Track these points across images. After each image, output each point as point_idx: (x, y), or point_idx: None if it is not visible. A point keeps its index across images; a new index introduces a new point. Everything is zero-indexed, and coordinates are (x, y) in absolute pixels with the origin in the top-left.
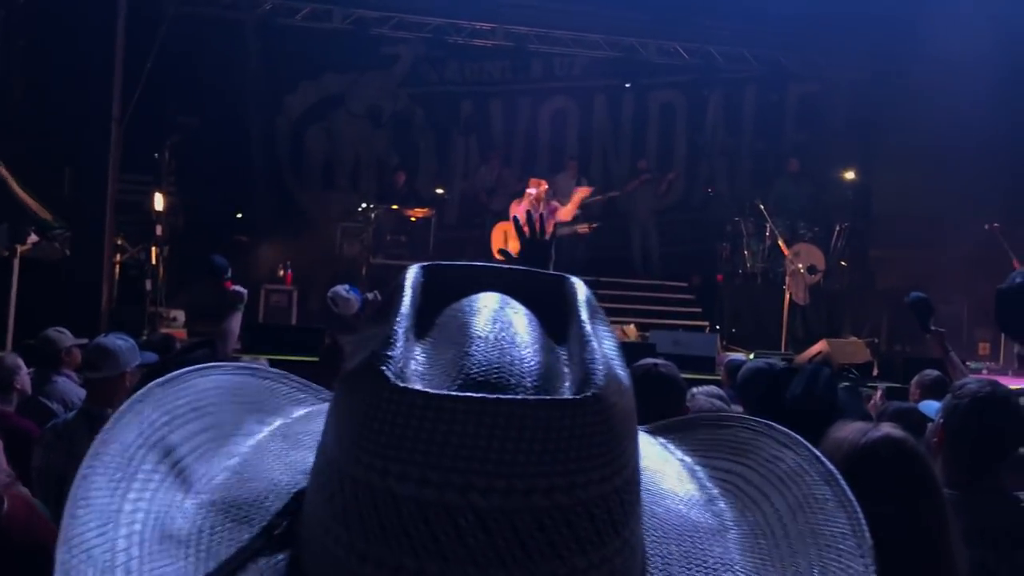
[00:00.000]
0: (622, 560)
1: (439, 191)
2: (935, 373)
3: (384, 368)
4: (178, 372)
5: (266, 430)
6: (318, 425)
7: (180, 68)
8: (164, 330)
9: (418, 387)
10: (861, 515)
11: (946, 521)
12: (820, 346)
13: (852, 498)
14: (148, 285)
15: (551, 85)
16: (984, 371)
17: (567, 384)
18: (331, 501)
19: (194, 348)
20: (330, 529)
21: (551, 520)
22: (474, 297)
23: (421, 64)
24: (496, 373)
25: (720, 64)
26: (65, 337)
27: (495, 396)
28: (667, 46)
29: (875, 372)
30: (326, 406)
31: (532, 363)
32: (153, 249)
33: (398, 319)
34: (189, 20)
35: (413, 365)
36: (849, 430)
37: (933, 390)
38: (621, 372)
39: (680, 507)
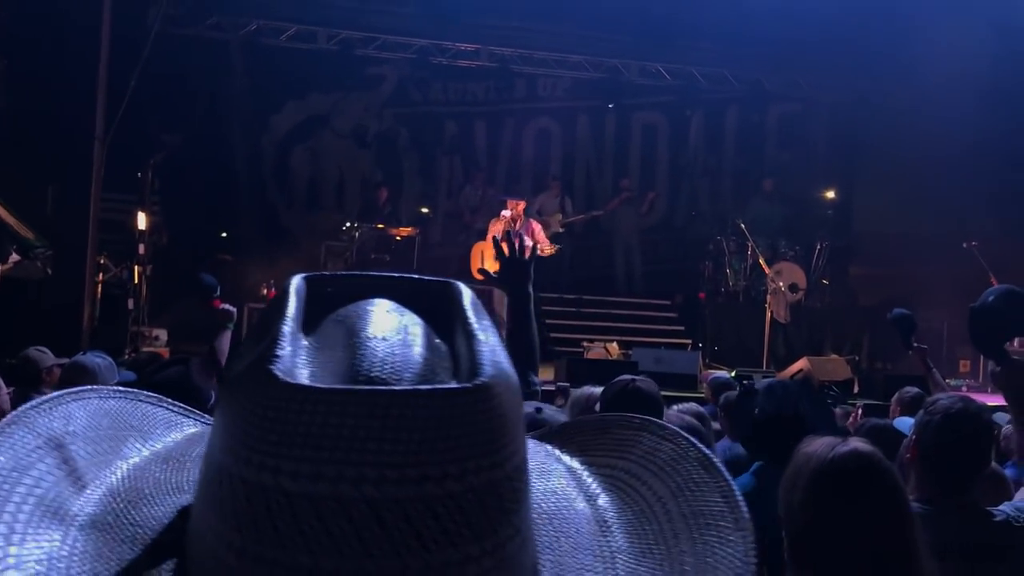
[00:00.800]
0: (514, 547)
1: (424, 210)
2: (914, 390)
3: (272, 367)
4: (52, 395)
5: (146, 453)
6: (200, 448)
7: (164, 87)
8: (146, 349)
9: (307, 383)
10: (737, 495)
11: (913, 534)
12: (801, 364)
13: (728, 479)
14: (130, 304)
15: (535, 105)
16: (964, 388)
17: (453, 376)
18: (222, 507)
19: (168, 366)
20: (222, 536)
21: (444, 508)
22: (361, 302)
23: (406, 84)
24: (383, 368)
25: (702, 85)
26: (46, 356)
27: (384, 388)
28: (649, 67)
29: (856, 389)
30: (208, 430)
31: (418, 358)
32: (136, 268)
33: (284, 321)
34: (174, 39)
35: (301, 364)
36: (818, 444)
37: (912, 407)
38: (506, 365)
39: (566, 503)
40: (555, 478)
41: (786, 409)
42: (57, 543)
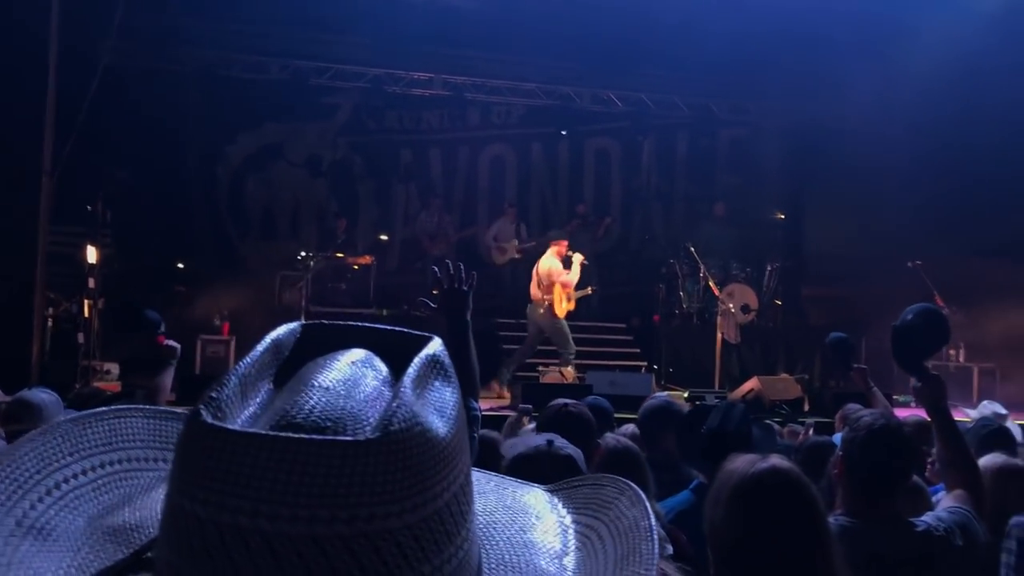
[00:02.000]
0: None
1: (382, 237)
2: (857, 407)
3: (202, 407)
4: (95, 411)
5: (166, 467)
6: None
7: (115, 118)
8: (97, 383)
9: (227, 425)
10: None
11: (828, 548)
12: (752, 383)
13: (654, 551)
14: (80, 338)
15: (489, 133)
16: (912, 404)
17: (368, 428)
18: (164, 527)
19: (112, 401)
20: (164, 554)
21: (333, 548)
22: (337, 352)
23: (360, 113)
24: (307, 417)
25: (652, 111)
26: None
27: (285, 435)
28: (601, 94)
29: (806, 407)
30: None
31: (350, 409)
32: (86, 302)
33: (237, 366)
34: (124, 70)
35: (237, 407)
36: (740, 461)
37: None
38: (430, 421)
39: (534, 557)
40: (536, 532)
41: (732, 430)
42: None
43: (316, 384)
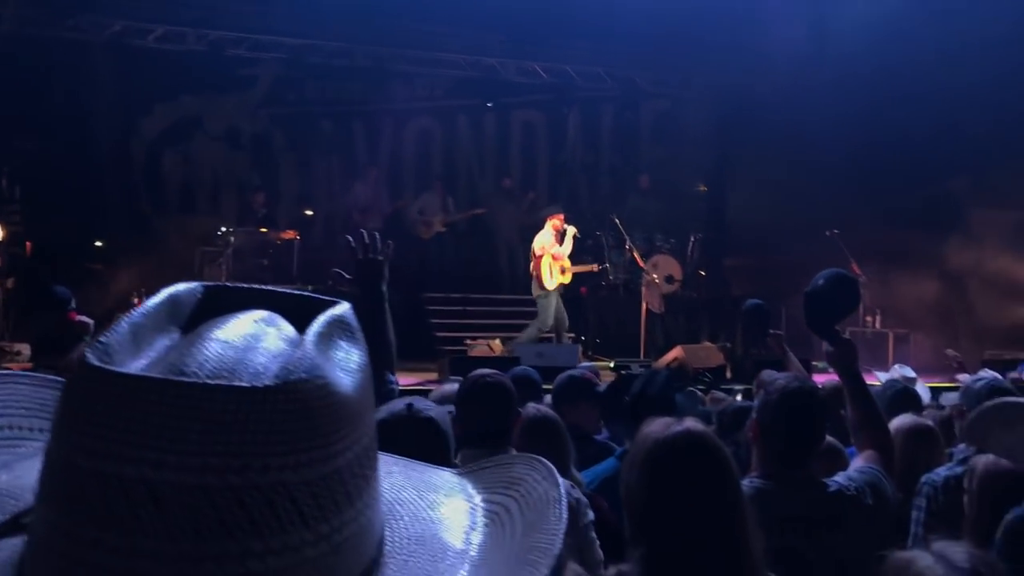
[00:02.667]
0: (315, 554)
1: (308, 212)
2: (773, 373)
3: (88, 351)
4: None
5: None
6: None
7: (20, 90)
8: (8, 365)
9: (114, 369)
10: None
11: (741, 510)
12: (675, 352)
13: (562, 522)
14: None
15: (413, 105)
16: (830, 369)
17: (266, 378)
18: (41, 481)
19: None
20: (40, 511)
21: (223, 499)
22: (240, 312)
23: (280, 85)
24: (201, 365)
25: (577, 83)
26: None
27: (177, 378)
28: (525, 66)
29: (728, 375)
30: None
31: (247, 361)
32: None
33: (130, 315)
34: (29, 39)
35: (128, 355)
36: (656, 424)
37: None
38: (334, 376)
39: (440, 533)
40: (444, 510)
41: (652, 391)
42: None
43: (214, 337)
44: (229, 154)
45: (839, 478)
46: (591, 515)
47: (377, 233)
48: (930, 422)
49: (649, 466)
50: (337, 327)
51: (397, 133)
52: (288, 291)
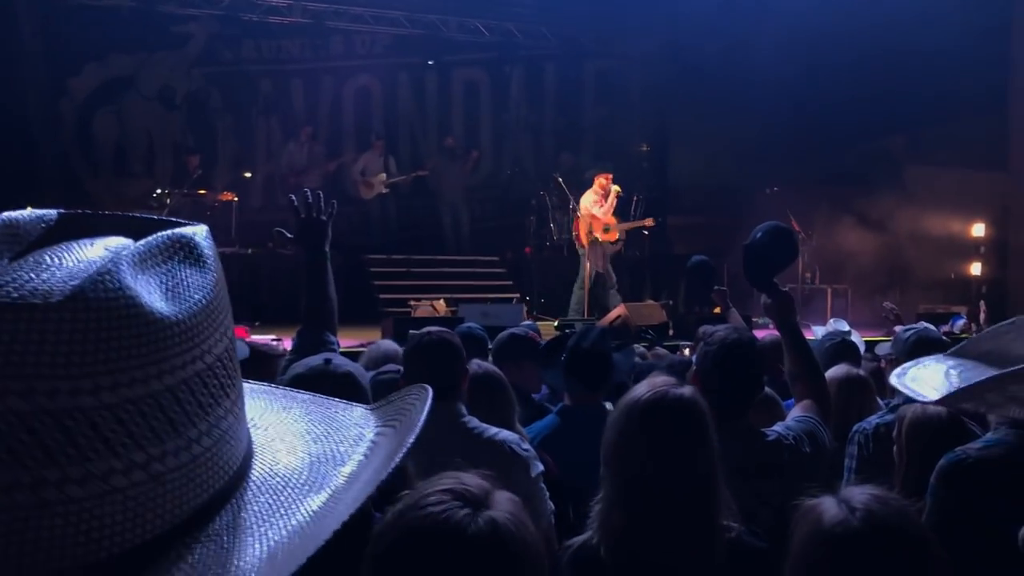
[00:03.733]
0: (126, 483)
1: (247, 175)
2: (712, 327)
3: None
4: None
5: None
6: None
7: None
8: None
9: None
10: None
11: (715, 464)
12: (619, 310)
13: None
14: None
15: (353, 63)
16: (770, 324)
17: (55, 295)
18: None
19: None
20: None
21: (7, 425)
22: (87, 239)
23: (215, 43)
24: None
25: (520, 41)
26: None
27: None
28: (468, 23)
29: (671, 332)
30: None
31: (48, 280)
32: None
33: None
34: None
35: None
36: (641, 385)
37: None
38: (144, 296)
39: (312, 467)
40: (327, 444)
41: (585, 343)
42: None
43: (30, 260)
44: (163, 114)
45: (777, 427)
46: (540, 467)
47: (320, 193)
48: (862, 372)
49: (633, 423)
50: (177, 248)
51: (336, 92)
52: (149, 217)
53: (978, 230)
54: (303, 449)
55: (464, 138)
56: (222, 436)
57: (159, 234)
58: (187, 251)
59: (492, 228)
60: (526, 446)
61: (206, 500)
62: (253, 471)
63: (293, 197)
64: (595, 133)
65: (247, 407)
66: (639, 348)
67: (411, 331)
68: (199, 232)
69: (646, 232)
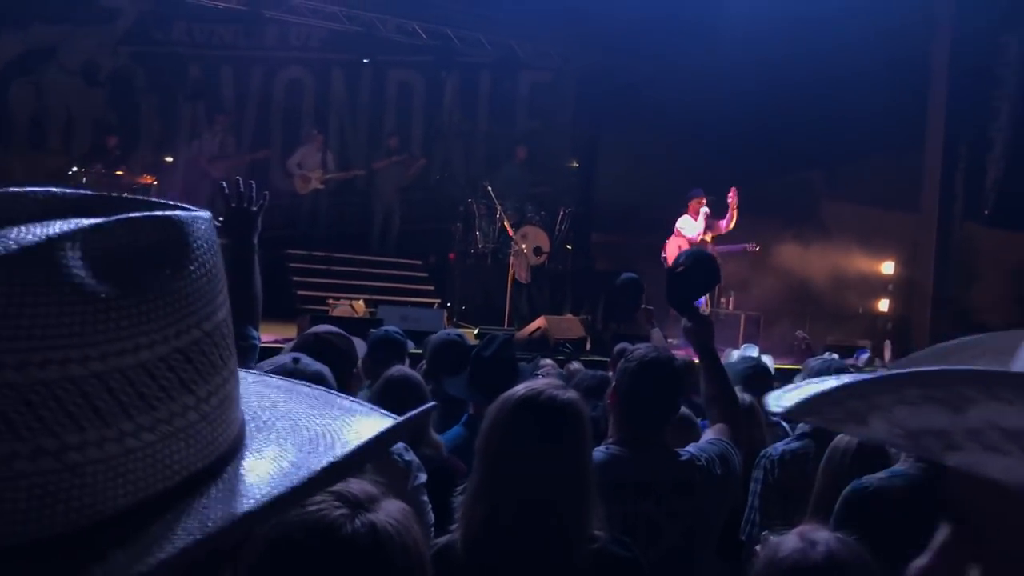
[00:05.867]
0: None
1: (168, 159)
2: (625, 345)
3: None
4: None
5: None
6: None
7: None
8: None
9: None
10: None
11: (585, 469)
12: (539, 322)
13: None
14: None
15: (286, 54)
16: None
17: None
18: None
19: None
20: None
21: None
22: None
23: (145, 21)
24: None
25: (457, 47)
26: None
27: None
28: (406, 25)
29: (588, 347)
30: None
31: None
32: None
33: None
34: None
35: None
36: (522, 385)
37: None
38: (72, 269)
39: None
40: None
41: (487, 352)
42: None
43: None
44: (85, 90)
45: (691, 448)
46: (422, 478)
47: (253, 183)
48: (748, 397)
49: (506, 422)
50: (144, 230)
51: (267, 82)
52: (158, 200)
53: (888, 268)
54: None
55: (400, 140)
56: (173, 434)
57: (130, 215)
58: (161, 234)
59: (417, 232)
60: (409, 456)
61: (140, 499)
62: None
63: (224, 185)
64: (527, 144)
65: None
66: (547, 361)
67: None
68: (192, 217)
69: (569, 247)
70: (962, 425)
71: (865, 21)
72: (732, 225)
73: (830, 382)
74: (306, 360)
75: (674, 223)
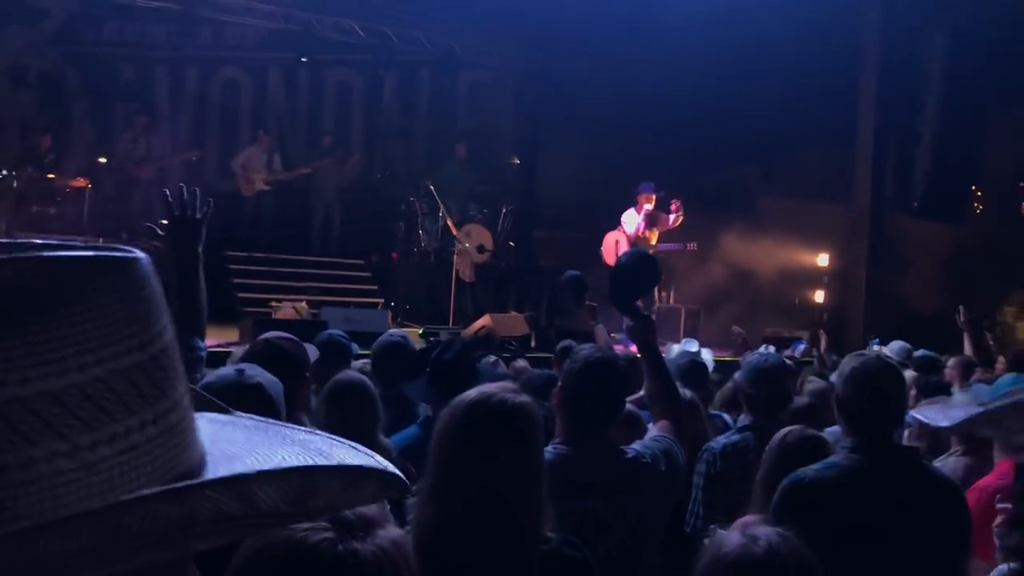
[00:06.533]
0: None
1: (101, 160)
2: (568, 342)
3: None
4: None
5: None
6: None
7: None
8: None
9: None
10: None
11: (535, 472)
12: (484, 320)
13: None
14: None
15: (221, 54)
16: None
17: None
18: None
19: None
20: None
21: None
22: None
23: (75, 21)
24: None
25: (396, 46)
26: None
27: None
28: (344, 23)
29: (533, 344)
30: None
31: None
32: None
33: None
34: None
35: None
36: (474, 391)
37: (562, 357)
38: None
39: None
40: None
41: (448, 355)
42: None
43: None
44: (13, 92)
45: (636, 445)
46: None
47: (197, 189)
48: (689, 392)
49: (454, 428)
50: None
51: (203, 82)
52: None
53: (823, 260)
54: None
55: (335, 139)
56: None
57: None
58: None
59: (358, 232)
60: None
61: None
62: None
63: (167, 192)
64: (467, 143)
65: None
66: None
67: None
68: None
69: (512, 244)
70: None
71: (795, 14)
72: (676, 225)
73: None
74: (251, 371)
75: (615, 218)
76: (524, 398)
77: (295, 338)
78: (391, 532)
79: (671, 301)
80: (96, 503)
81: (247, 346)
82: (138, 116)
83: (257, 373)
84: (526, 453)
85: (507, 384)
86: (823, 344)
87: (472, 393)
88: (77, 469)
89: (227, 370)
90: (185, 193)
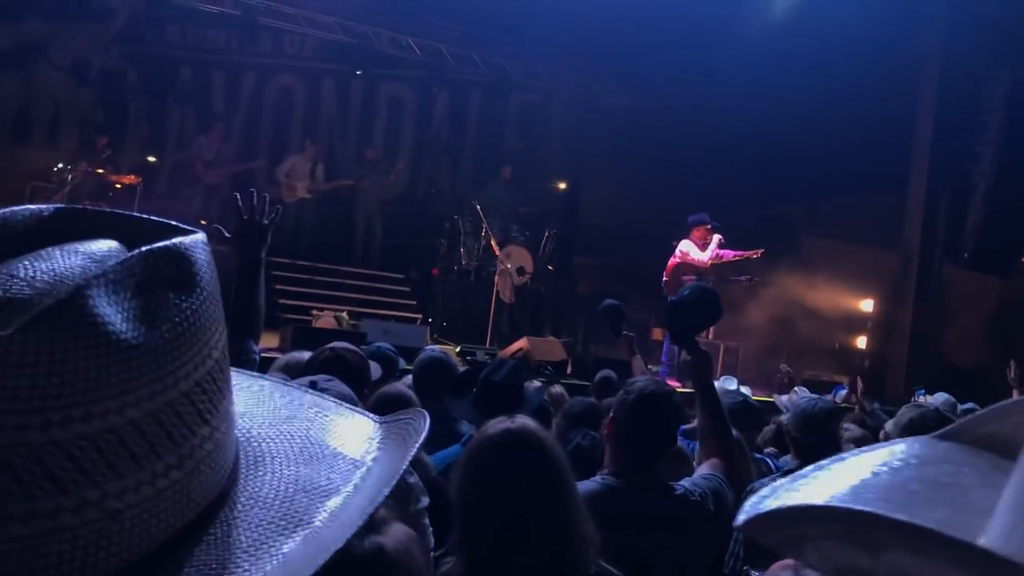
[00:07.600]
0: (75, 521)
1: (151, 159)
2: (607, 372)
3: None
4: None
5: None
6: None
7: None
8: None
9: None
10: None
11: (568, 505)
12: (521, 343)
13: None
14: None
15: (279, 62)
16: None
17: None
18: None
19: None
20: None
21: None
22: (81, 242)
23: (139, 21)
24: None
25: (449, 64)
26: None
27: None
28: (400, 39)
29: (569, 370)
30: None
31: (13, 295)
32: None
33: None
34: None
35: None
36: (490, 424)
37: (600, 388)
38: (108, 318)
39: (290, 492)
40: (318, 468)
41: (497, 377)
42: None
43: (2, 273)
44: (74, 88)
45: (685, 482)
46: (425, 501)
47: (267, 196)
48: (735, 431)
49: (473, 464)
50: (162, 263)
51: (258, 89)
52: (146, 217)
53: (867, 305)
54: (293, 470)
55: (384, 153)
56: (196, 467)
57: (147, 248)
58: (175, 265)
59: (400, 246)
60: (413, 479)
61: (170, 536)
62: (239, 497)
63: (238, 196)
64: (512, 164)
65: (250, 412)
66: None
67: (305, 345)
68: (194, 241)
69: (551, 268)
70: (881, 569)
71: (854, 58)
72: (735, 259)
73: (773, 499)
74: (324, 384)
75: (654, 249)
76: (533, 428)
77: (360, 351)
78: (399, 526)
79: (710, 337)
80: (104, 554)
81: (292, 354)
82: (216, 121)
83: (331, 387)
84: (563, 477)
85: (524, 419)
86: (860, 390)
87: (487, 428)
88: (102, 519)
89: (300, 383)
90: (255, 198)
